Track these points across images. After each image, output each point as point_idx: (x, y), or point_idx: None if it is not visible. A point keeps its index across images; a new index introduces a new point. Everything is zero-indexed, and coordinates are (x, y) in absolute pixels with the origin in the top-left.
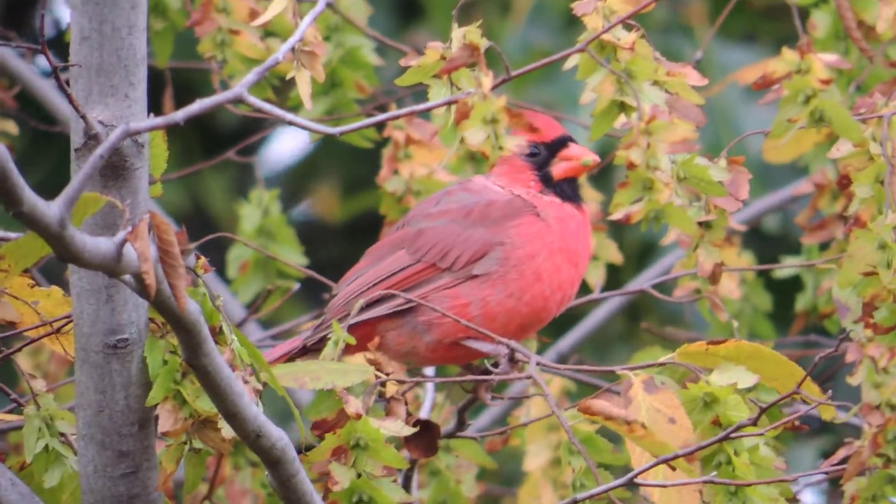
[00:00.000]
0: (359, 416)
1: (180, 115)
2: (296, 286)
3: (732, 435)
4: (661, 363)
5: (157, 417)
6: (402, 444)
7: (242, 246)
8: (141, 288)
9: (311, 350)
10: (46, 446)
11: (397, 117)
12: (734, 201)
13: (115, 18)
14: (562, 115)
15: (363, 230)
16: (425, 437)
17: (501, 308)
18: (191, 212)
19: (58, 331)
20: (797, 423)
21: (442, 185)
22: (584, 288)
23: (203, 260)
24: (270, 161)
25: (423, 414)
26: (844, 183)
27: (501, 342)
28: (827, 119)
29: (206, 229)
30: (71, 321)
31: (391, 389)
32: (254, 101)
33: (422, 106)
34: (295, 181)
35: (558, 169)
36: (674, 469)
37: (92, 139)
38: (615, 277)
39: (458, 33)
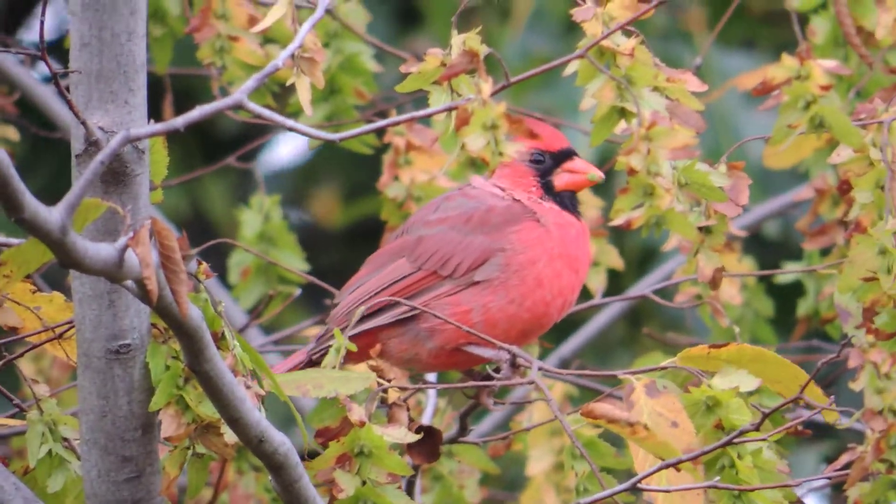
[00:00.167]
0: (362, 424)
1: (180, 121)
2: (297, 292)
3: (736, 440)
4: (663, 367)
5: (159, 422)
6: (404, 451)
7: (243, 251)
8: (143, 293)
9: (316, 363)
10: (50, 451)
11: (397, 123)
12: (734, 207)
13: (115, 25)
14: (561, 121)
15: (364, 236)
16: (428, 443)
17: (503, 314)
18: (191, 218)
19: (60, 336)
20: (800, 427)
21: (442, 190)
22: (586, 293)
23: (204, 265)
24: (271, 167)
25: (425, 420)
26: (845, 188)
27: (503, 347)
28: (827, 125)
29: (206, 235)
30: (73, 327)
31: (393, 396)
32: (254, 107)
33: (422, 112)
34: (295, 187)
35: (561, 179)
36: (679, 470)
37: (92, 145)
38: (616, 283)
39: (457, 40)
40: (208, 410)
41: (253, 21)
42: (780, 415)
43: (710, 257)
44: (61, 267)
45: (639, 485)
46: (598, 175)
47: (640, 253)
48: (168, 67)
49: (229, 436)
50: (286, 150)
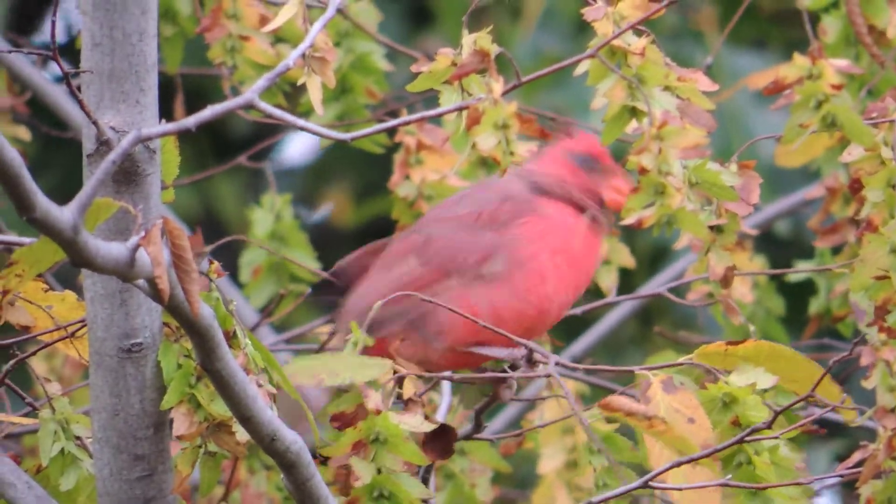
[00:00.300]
0: (378, 412)
1: (192, 121)
2: (309, 290)
3: (748, 438)
4: (680, 363)
5: (171, 421)
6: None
7: (255, 250)
8: (154, 292)
9: None
10: (62, 450)
11: (408, 123)
12: (745, 206)
13: (126, 24)
14: (573, 120)
15: (375, 235)
16: (442, 440)
17: (509, 310)
18: (203, 217)
19: (72, 335)
20: (813, 425)
21: (454, 190)
22: (597, 292)
23: (216, 264)
24: (282, 166)
25: (439, 417)
26: (856, 187)
27: (520, 342)
28: (838, 124)
29: (217, 234)
30: (85, 325)
31: (408, 391)
32: (265, 106)
33: (433, 111)
34: (307, 186)
35: (610, 195)
36: (695, 465)
37: (104, 145)
38: (628, 281)
39: (468, 39)
40: (220, 409)
41: (264, 20)
42: (792, 412)
43: (722, 256)
44: (73, 266)
45: (651, 483)
46: None
47: (652, 251)
48: (179, 67)
49: (241, 434)
50: (297, 149)
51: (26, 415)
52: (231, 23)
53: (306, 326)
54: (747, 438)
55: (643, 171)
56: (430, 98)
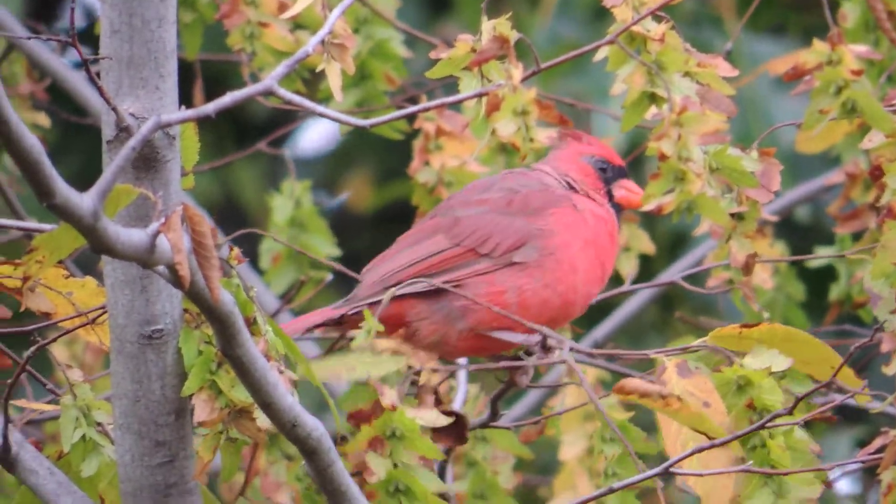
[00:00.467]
0: (394, 408)
1: (211, 107)
2: (329, 277)
3: (767, 425)
4: (695, 346)
5: (192, 407)
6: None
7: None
8: (175, 279)
9: (346, 322)
10: (83, 436)
11: (428, 109)
12: (766, 192)
13: (145, 11)
14: (592, 106)
15: (395, 221)
16: (454, 427)
17: (536, 298)
18: (223, 203)
19: (93, 321)
20: (830, 413)
21: (473, 176)
22: (617, 278)
23: (236, 251)
24: (302, 153)
25: (456, 405)
26: (876, 173)
27: (535, 328)
28: (859, 109)
29: (237, 220)
30: (106, 312)
31: (422, 378)
32: (284, 93)
33: (452, 98)
34: (327, 172)
35: (620, 193)
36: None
37: (123, 131)
38: (647, 268)
39: (487, 25)
40: (241, 395)
41: (283, 7)
42: (810, 399)
43: (743, 243)
44: (93, 252)
45: (672, 468)
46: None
47: (672, 238)
48: (198, 53)
49: (262, 420)
50: (317, 135)
51: (48, 401)
52: (250, 9)
53: None
54: (768, 425)
55: (663, 157)
56: (450, 84)
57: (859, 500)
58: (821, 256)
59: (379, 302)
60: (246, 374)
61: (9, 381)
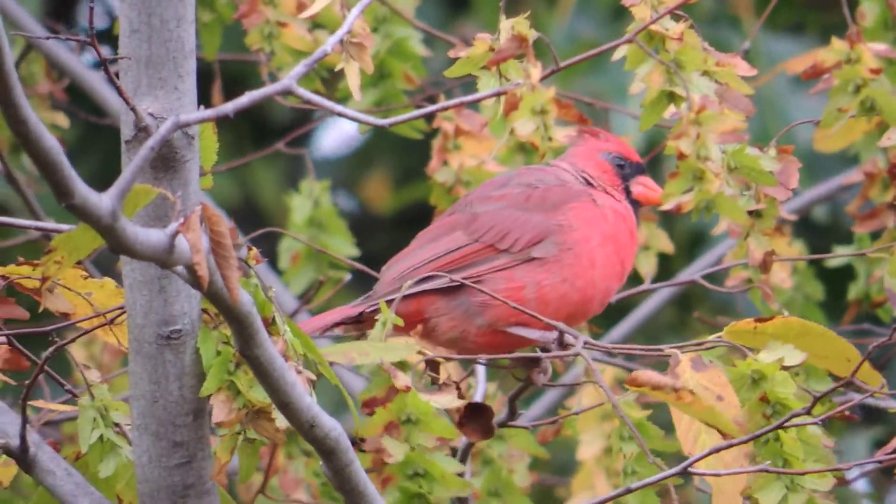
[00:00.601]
0: (407, 389)
1: (230, 107)
2: (347, 277)
3: (786, 424)
4: (710, 342)
5: (211, 408)
6: (452, 419)
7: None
8: (193, 279)
9: (365, 320)
10: (101, 437)
11: (446, 108)
12: (784, 191)
13: (164, 11)
14: (610, 105)
15: (413, 220)
16: (481, 420)
17: (555, 293)
18: (241, 203)
19: (111, 322)
20: (848, 413)
21: (492, 175)
22: (635, 277)
23: (255, 251)
24: (321, 153)
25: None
26: (895, 172)
27: (551, 324)
28: (877, 108)
29: (256, 221)
30: (124, 312)
31: (443, 375)
32: (303, 92)
33: (471, 97)
34: (346, 172)
35: (637, 189)
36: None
37: (142, 131)
38: (666, 267)
39: (506, 24)
40: (259, 395)
41: (301, 7)
42: (828, 398)
43: (761, 241)
44: (112, 253)
45: (690, 469)
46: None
47: (690, 237)
48: (217, 53)
49: (280, 421)
50: (336, 135)
51: (65, 402)
52: (269, 9)
53: None
54: (786, 424)
55: (682, 156)
56: (468, 83)
57: (877, 499)
58: (839, 255)
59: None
60: (264, 374)
61: (27, 381)
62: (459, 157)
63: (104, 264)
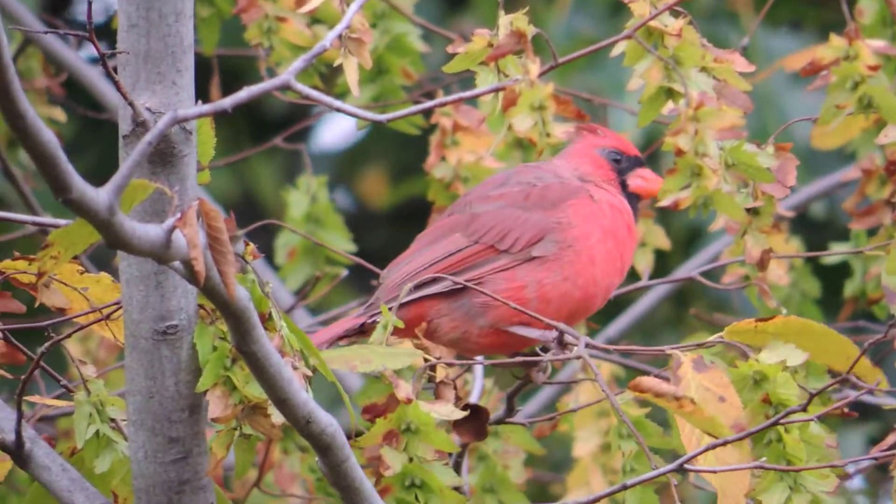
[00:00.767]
0: (409, 401)
1: (228, 102)
2: (344, 273)
3: (782, 420)
4: (711, 342)
5: (207, 403)
6: (451, 429)
7: (291, 232)
8: (190, 274)
9: (368, 330)
10: (97, 432)
11: (445, 104)
12: (782, 188)
13: (162, 6)
14: (608, 101)
15: (411, 216)
16: (475, 422)
17: (556, 292)
18: (239, 199)
19: (107, 317)
20: (846, 409)
21: (490, 171)
22: (633, 275)
23: (252, 246)
24: (319, 148)
25: (472, 400)
26: (892, 169)
27: (552, 324)
28: (875, 105)
29: (254, 216)
30: (120, 307)
31: (440, 374)
32: (301, 88)
33: (469, 93)
34: (343, 168)
35: (634, 182)
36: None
37: (140, 126)
38: (663, 263)
39: (504, 20)
40: (255, 391)
41: (300, 2)
42: (826, 395)
43: (758, 238)
44: (109, 248)
45: (686, 465)
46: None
47: (687, 233)
48: (215, 48)
49: (276, 416)
50: (334, 131)
51: (61, 397)
52: (267, 4)
53: (342, 308)
54: (782, 421)
55: (679, 152)
56: (466, 79)
57: (871, 495)
58: (836, 253)
59: (400, 307)
60: (260, 370)
61: (23, 376)
62: (457, 152)
63: (101, 259)
